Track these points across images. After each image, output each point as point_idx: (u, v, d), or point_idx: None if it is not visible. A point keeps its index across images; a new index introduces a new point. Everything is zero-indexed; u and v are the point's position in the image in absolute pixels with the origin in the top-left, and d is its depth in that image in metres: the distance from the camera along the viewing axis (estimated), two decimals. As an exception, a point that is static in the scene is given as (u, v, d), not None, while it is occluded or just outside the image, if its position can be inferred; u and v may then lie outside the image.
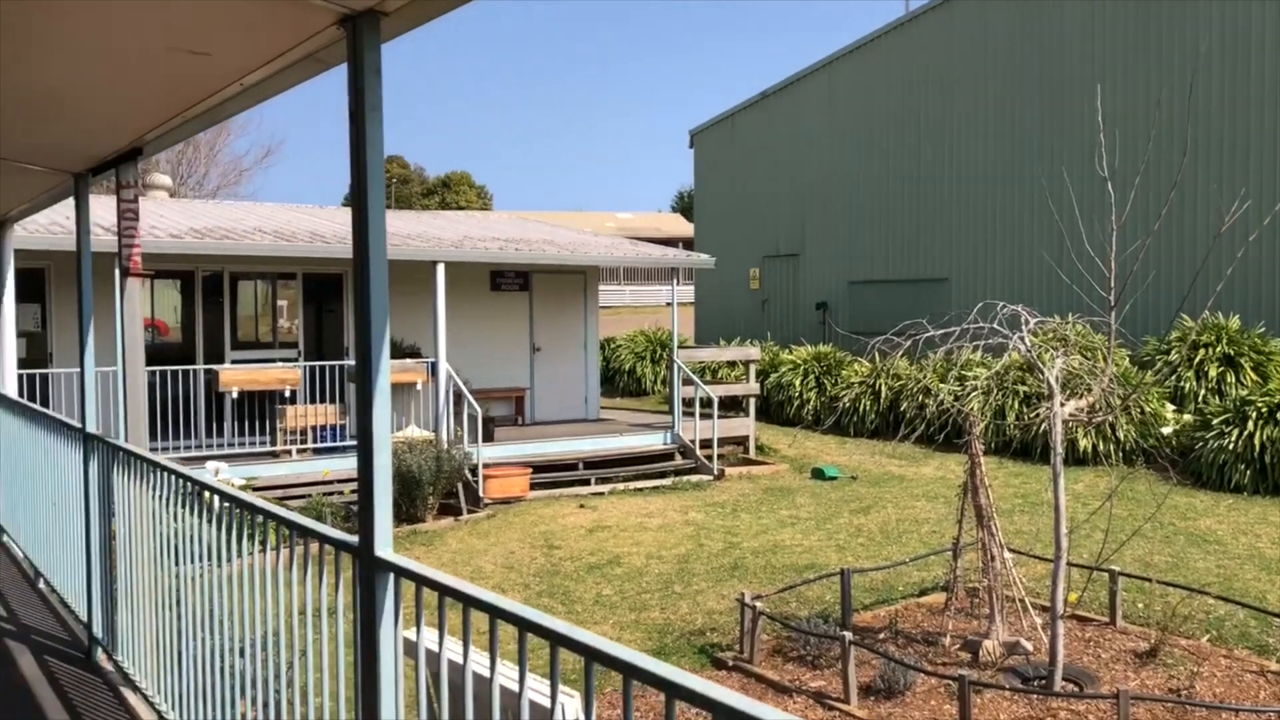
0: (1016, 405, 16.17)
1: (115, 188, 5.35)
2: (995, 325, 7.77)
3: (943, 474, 15.45)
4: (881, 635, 8.11)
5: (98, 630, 5.53)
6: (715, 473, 15.84)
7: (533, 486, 14.46)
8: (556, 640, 2.03)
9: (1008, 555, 7.83)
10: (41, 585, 7.05)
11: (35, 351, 14.04)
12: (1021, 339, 7.48)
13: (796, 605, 9.00)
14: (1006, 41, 22.53)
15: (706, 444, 16.32)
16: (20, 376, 9.99)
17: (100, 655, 5.52)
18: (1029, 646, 7.48)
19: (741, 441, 17.59)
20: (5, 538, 8.38)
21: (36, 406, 7.36)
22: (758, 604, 7.84)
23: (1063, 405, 7.30)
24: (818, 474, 15.75)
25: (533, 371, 18.44)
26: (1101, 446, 15.28)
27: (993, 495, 8.08)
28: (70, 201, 5.92)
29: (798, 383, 20.67)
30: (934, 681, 7.13)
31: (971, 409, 9.01)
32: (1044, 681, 7.05)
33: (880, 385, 19.00)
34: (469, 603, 2.34)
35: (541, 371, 18.52)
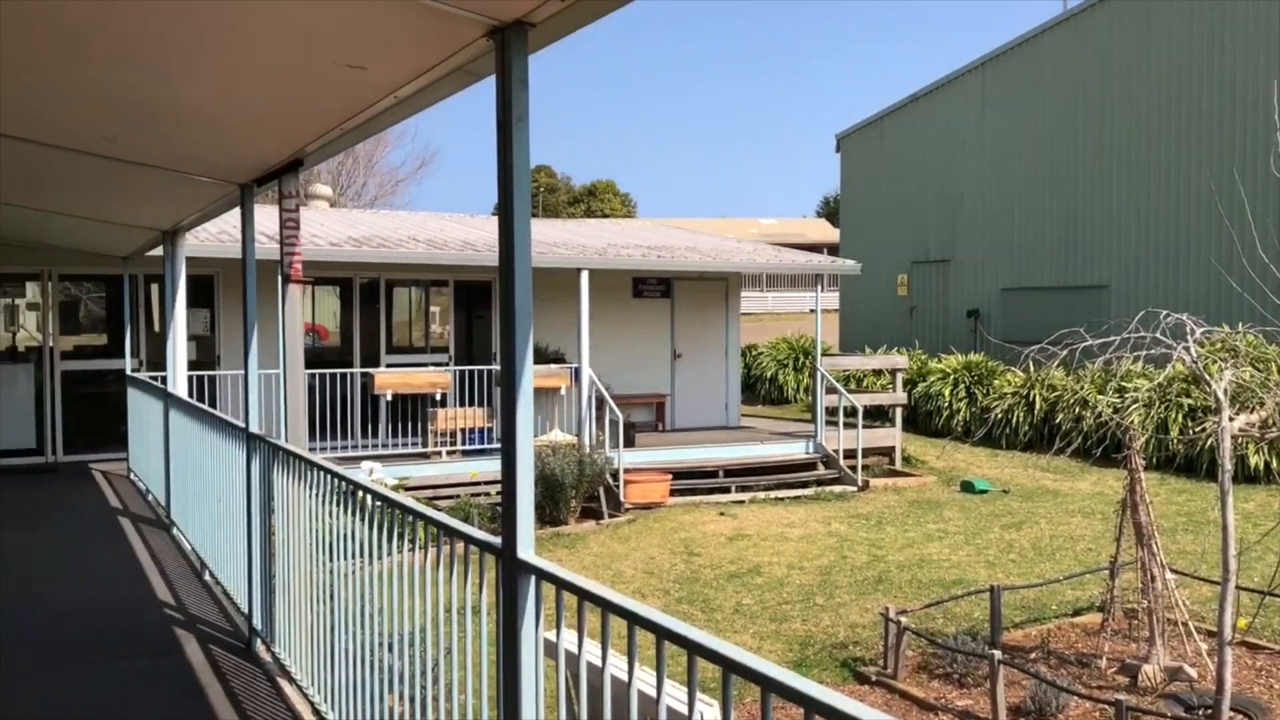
0: (1180, 419, 15.36)
1: (278, 198, 5.60)
2: (1158, 335, 7.39)
3: (1100, 489, 14.78)
4: (1032, 655, 7.80)
5: (257, 622, 5.79)
6: (859, 484, 15.55)
7: (673, 493, 14.48)
8: (694, 649, 2.02)
9: (1170, 576, 7.42)
10: (207, 577, 7.43)
11: (204, 354, 14.83)
12: (1187, 349, 7.09)
13: (943, 621, 8.74)
14: (1172, 39, 21.45)
15: (850, 454, 16.04)
16: (190, 378, 10.57)
17: (259, 646, 5.77)
18: (1192, 673, 7.07)
19: (887, 452, 17.23)
20: (175, 530, 8.87)
21: (204, 407, 7.77)
22: (902, 619, 7.65)
23: (1232, 420, 6.88)
24: (967, 487, 15.28)
25: (673, 378, 18.49)
26: (1275, 464, 14.36)
27: (1154, 513, 7.68)
28: (237, 211, 6.23)
29: (947, 392, 20.11)
30: (1088, 705, 6.82)
31: (1132, 422, 8.60)
32: (1209, 711, 6.65)
33: (1035, 396, 18.32)
34: (608, 608, 2.35)
35: (682, 378, 18.56)
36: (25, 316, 15.74)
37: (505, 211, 2.75)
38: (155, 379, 10.60)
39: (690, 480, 15.07)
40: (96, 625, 6.40)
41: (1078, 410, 14.96)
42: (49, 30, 3.50)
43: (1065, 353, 7.96)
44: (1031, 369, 17.26)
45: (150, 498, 10.62)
